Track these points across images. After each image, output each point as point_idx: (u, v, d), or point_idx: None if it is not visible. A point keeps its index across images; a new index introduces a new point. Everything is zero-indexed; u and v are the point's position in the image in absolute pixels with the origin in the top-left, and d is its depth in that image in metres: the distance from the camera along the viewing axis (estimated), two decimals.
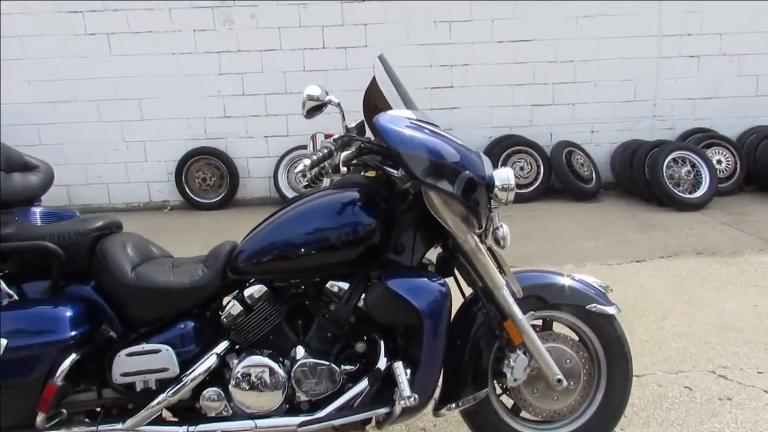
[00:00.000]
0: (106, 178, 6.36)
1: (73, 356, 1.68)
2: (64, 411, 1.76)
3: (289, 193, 6.12)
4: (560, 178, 5.98)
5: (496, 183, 1.67)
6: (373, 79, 1.85)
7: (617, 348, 1.90)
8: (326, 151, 1.65)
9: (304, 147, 6.12)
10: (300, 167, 1.59)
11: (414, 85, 6.16)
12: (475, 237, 1.76)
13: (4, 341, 1.63)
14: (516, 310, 1.79)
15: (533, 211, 5.56)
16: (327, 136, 1.67)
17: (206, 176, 6.26)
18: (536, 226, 5.00)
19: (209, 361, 1.75)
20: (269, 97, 6.16)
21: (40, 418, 1.68)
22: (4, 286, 1.86)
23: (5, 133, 6.07)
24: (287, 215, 1.80)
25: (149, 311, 1.80)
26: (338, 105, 1.79)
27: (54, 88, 6.09)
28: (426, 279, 1.74)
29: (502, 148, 6.11)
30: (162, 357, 1.75)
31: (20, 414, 1.70)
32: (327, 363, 1.73)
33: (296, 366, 1.73)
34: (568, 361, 1.87)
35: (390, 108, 1.77)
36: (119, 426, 1.75)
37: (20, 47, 5.99)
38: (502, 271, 1.84)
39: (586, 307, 1.86)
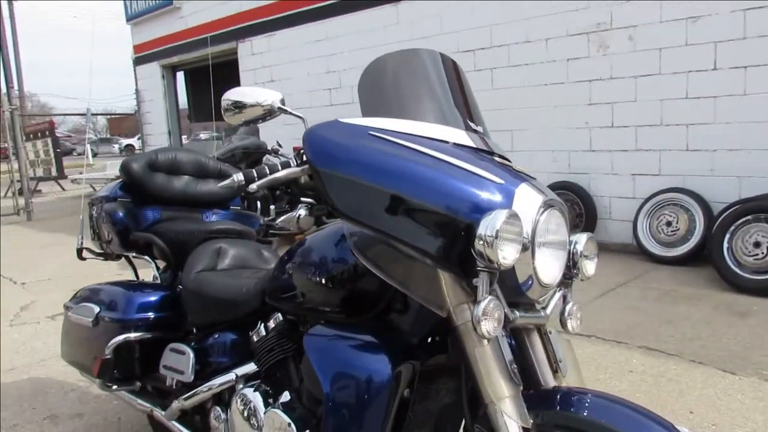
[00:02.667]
0: None
1: (128, 335, 1.85)
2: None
3: (648, 243, 5.14)
4: None
5: (479, 230, 1.02)
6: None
7: None
8: (279, 167, 1.26)
9: (675, 189, 5.06)
10: (227, 181, 1.26)
11: None
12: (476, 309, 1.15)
13: (96, 309, 1.94)
14: None
15: None
16: (296, 149, 1.34)
17: None
18: None
19: (224, 378, 1.66)
20: (640, 129, 5.33)
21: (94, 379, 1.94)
22: (152, 268, 2.21)
23: None
24: (304, 242, 1.53)
25: (195, 315, 1.83)
26: (284, 111, 1.34)
27: None
28: (365, 351, 1.21)
29: None
30: (183, 360, 1.76)
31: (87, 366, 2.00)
32: (288, 421, 1.41)
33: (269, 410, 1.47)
34: None
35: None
36: (161, 412, 1.86)
37: None
38: (557, 369, 1.18)
39: None
